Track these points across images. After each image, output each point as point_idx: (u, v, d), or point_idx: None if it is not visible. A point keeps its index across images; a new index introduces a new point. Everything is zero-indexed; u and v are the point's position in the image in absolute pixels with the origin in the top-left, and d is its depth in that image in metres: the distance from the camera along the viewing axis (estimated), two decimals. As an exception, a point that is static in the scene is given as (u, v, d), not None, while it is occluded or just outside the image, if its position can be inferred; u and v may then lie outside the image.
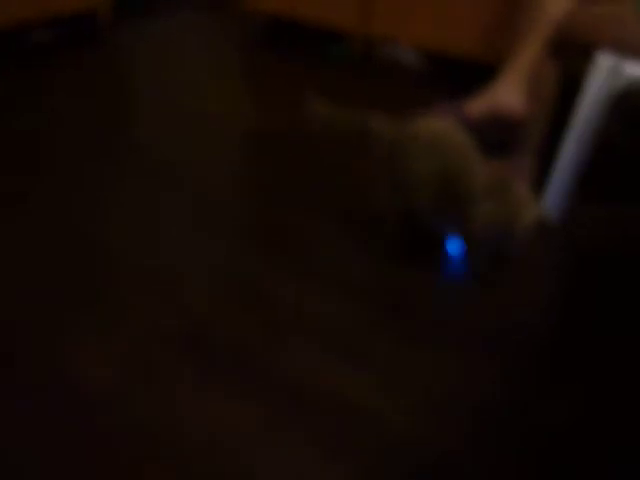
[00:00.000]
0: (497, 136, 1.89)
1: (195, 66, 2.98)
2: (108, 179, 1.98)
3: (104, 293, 1.51)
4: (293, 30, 3.23)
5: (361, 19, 2.94)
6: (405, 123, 1.63)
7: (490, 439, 1.23)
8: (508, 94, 1.91)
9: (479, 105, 1.92)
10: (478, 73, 2.19)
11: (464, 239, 1.63)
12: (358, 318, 1.51)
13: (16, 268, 1.58)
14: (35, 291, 1.51)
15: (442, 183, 1.54)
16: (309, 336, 1.45)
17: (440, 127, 1.58)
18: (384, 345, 1.44)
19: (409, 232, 1.69)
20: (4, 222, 1.74)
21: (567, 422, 1.28)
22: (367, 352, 1.42)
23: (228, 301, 1.53)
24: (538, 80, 1.90)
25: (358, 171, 1.78)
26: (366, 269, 1.69)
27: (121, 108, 2.49)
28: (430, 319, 1.53)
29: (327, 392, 1.30)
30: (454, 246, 1.69)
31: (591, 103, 1.80)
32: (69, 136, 2.22)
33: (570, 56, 1.89)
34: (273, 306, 1.53)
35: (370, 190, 1.69)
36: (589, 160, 1.85)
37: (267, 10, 3.22)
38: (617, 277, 1.71)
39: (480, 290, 1.63)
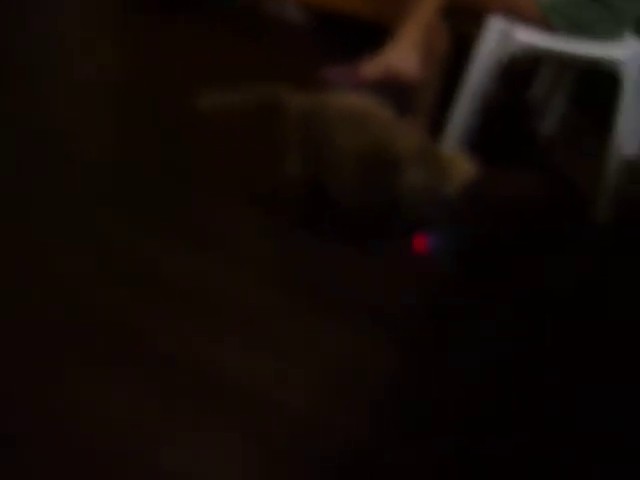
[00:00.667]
0: (392, 99, 1.87)
1: (61, 25, 2.74)
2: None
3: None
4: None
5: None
6: (315, 94, 1.58)
7: (394, 422, 1.23)
8: (402, 57, 1.88)
9: (374, 68, 1.88)
10: (366, 33, 2.15)
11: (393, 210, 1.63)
12: (260, 296, 1.47)
13: None
14: None
15: (368, 157, 1.52)
16: (209, 318, 1.39)
17: (360, 102, 1.58)
18: (286, 325, 1.40)
19: (318, 204, 1.66)
20: None
21: (469, 403, 1.30)
22: (270, 334, 1.38)
23: (118, 283, 1.44)
24: (431, 43, 1.89)
25: (263, 143, 1.70)
26: (269, 244, 1.64)
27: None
28: (334, 297, 1.50)
29: (230, 378, 1.25)
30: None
31: (482, 67, 1.81)
32: None
33: (462, 20, 1.88)
34: (168, 286, 1.46)
35: (276, 161, 1.62)
36: (478, 122, 1.88)
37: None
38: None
39: (392, 264, 1.62)
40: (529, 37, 1.74)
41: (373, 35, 2.01)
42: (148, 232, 1.62)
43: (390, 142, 1.53)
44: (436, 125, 1.93)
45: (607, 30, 1.74)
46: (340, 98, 1.59)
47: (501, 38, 1.76)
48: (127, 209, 1.70)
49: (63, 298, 1.39)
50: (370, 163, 1.54)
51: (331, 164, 1.57)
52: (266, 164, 1.70)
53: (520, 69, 2.36)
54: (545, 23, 1.74)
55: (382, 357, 1.37)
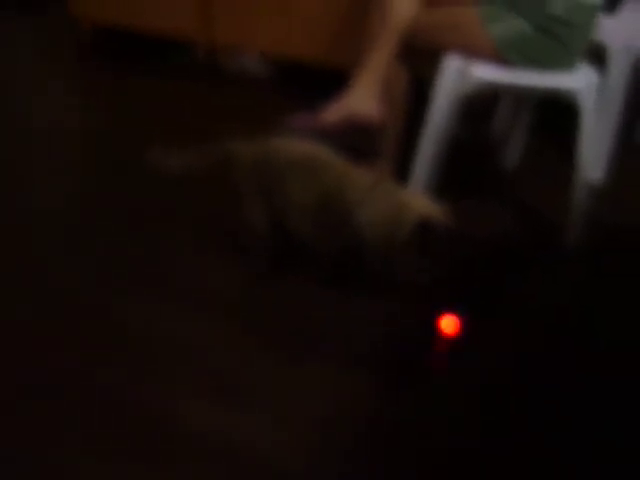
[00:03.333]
0: (354, 142, 1.87)
1: (23, 80, 2.73)
2: None
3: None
4: (129, 39, 3.04)
5: (202, 25, 2.82)
6: (265, 142, 1.60)
7: (379, 458, 1.19)
8: (362, 100, 1.89)
9: (334, 113, 1.89)
10: (327, 79, 2.17)
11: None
12: (232, 344, 1.44)
13: None
14: None
15: (319, 204, 1.53)
16: (179, 373, 1.35)
17: (306, 148, 1.59)
18: (262, 373, 1.37)
19: (279, 246, 1.65)
20: None
21: (455, 435, 1.27)
22: (244, 384, 1.34)
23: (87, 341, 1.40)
24: (390, 84, 1.91)
25: (221, 194, 1.71)
26: (236, 286, 1.63)
27: None
28: (305, 334, 1.50)
29: (200, 434, 1.21)
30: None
31: (441, 105, 1.83)
32: None
33: (419, 59, 1.91)
34: (135, 336, 1.44)
35: (235, 209, 1.62)
36: (443, 160, 1.89)
37: (96, 17, 3.01)
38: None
39: (365, 300, 1.61)
40: (485, 73, 1.76)
41: (332, 82, 2.03)
42: (115, 281, 1.61)
43: (340, 188, 1.54)
44: (401, 166, 1.94)
45: (560, 61, 1.77)
46: (290, 146, 1.59)
47: (458, 76, 1.78)
48: (94, 260, 1.69)
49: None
50: (321, 210, 1.55)
51: (285, 211, 1.58)
52: (226, 213, 1.70)
53: (480, 104, 2.39)
54: (500, 58, 1.77)
55: (364, 395, 1.35)
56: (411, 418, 1.31)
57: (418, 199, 1.53)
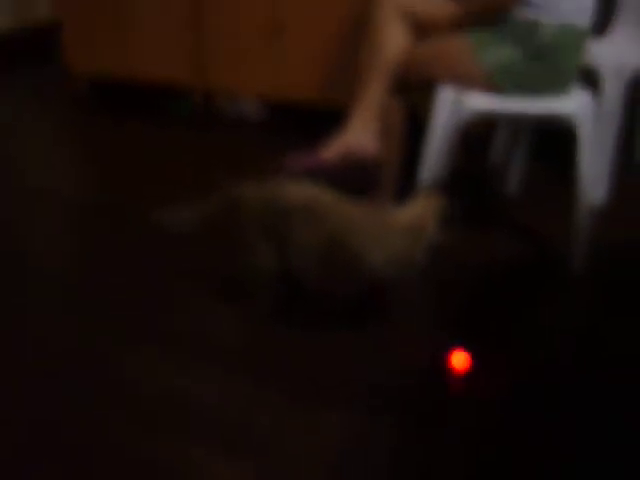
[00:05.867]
0: (354, 180, 1.87)
1: (18, 135, 2.75)
2: None
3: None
4: (127, 89, 3.08)
5: (196, 73, 2.86)
6: (269, 187, 1.60)
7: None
8: (359, 136, 1.90)
9: (333, 150, 1.89)
10: (323, 119, 2.19)
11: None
12: (234, 391, 1.42)
13: None
14: None
15: (328, 247, 1.53)
16: (188, 426, 1.33)
17: (311, 191, 1.59)
18: (276, 424, 1.35)
19: (286, 293, 1.64)
20: None
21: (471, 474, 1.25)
22: (257, 435, 1.32)
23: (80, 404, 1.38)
24: (386, 119, 1.92)
25: (227, 240, 1.70)
26: (244, 336, 1.61)
27: None
28: (310, 380, 1.47)
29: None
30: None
31: (438, 137, 1.83)
32: None
33: (414, 92, 1.92)
34: (136, 386, 1.42)
35: (242, 254, 1.62)
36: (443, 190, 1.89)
37: (92, 70, 3.05)
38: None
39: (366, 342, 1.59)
40: (479, 103, 1.77)
41: (328, 121, 2.04)
42: (115, 338, 1.59)
43: (346, 231, 1.54)
44: (403, 198, 1.93)
45: (552, 86, 1.78)
46: (294, 190, 1.59)
47: (453, 107, 1.79)
48: (93, 318, 1.67)
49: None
50: (327, 254, 1.55)
51: (293, 255, 1.57)
52: (233, 258, 1.69)
53: (478, 131, 2.40)
54: (492, 86, 1.78)
55: (381, 437, 1.32)
56: (429, 458, 1.28)
57: (429, 220, 1.55)
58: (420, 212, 1.56)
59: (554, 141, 2.07)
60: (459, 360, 1.49)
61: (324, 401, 1.41)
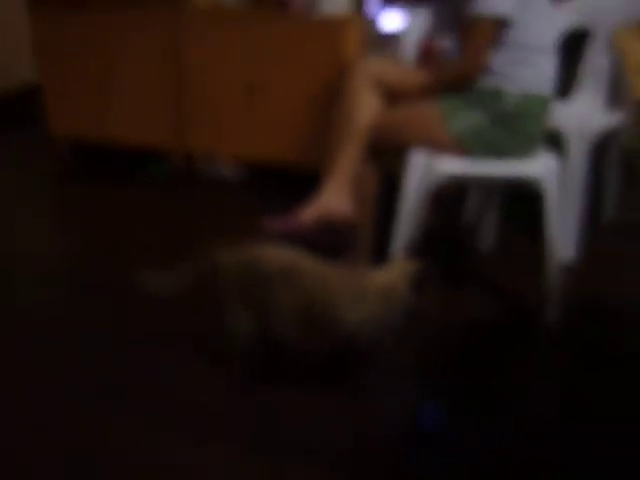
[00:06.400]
0: (330, 242, 1.92)
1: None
2: None
3: None
4: (107, 152, 3.13)
5: (176, 135, 2.92)
6: (248, 250, 1.63)
7: None
8: (334, 200, 1.95)
9: (309, 214, 1.94)
10: (301, 181, 2.24)
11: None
12: (227, 462, 1.42)
13: None
14: None
15: (307, 308, 1.57)
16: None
17: (288, 254, 1.63)
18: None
19: (265, 353, 1.66)
20: None
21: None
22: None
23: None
24: (360, 182, 1.97)
25: (207, 305, 1.72)
26: (223, 400, 1.62)
27: None
28: (295, 442, 1.48)
29: None
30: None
31: (411, 198, 1.89)
32: None
33: (387, 156, 1.98)
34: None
35: (221, 316, 1.64)
36: (416, 251, 1.93)
37: (75, 132, 3.11)
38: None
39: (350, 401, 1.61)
40: (449, 166, 1.84)
41: (306, 183, 2.09)
42: (100, 402, 1.60)
43: (323, 292, 1.58)
44: (378, 258, 1.98)
45: (517, 150, 1.86)
46: (272, 253, 1.63)
47: (424, 171, 1.86)
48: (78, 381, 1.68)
49: None
50: (307, 315, 1.58)
51: (272, 316, 1.60)
52: (212, 321, 1.71)
53: (450, 193, 2.47)
54: (461, 150, 1.85)
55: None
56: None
57: (395, 294, 1.58)
58: (394, 275, 1.60)
59: (525, 201, 2.13)
60: (430, 416, 1.52)
61: (296, 463, 1.42)
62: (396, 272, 1.61)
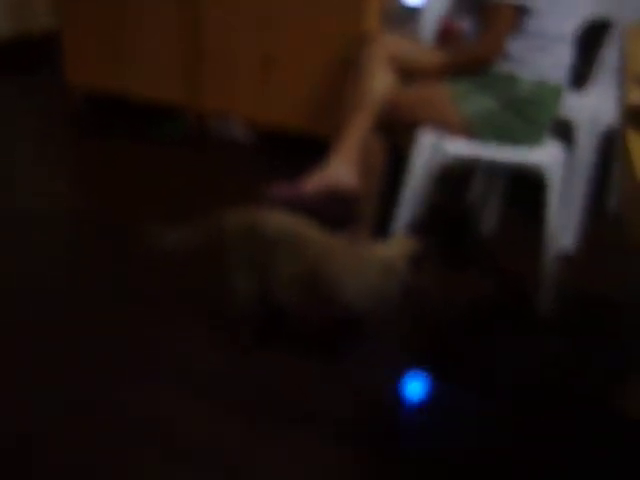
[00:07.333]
0: (334, 213, 1.94)
1: (7, 147, 2.79)
2: None
3: None
4: (119, 105, 3.14)
5: (191, 94, 2.93)
6: (254, 214, 1.66)
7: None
8: (341, 171, 1.97)
9: (314, 184, 1.96)
10: (308, 148, 2.26)
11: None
12: (215, 419, 1.47)
13: None
14: None
15: (308, 275, 1.60)
16: (162, 445, 1.38)
17: (293, 221, 1.65)
18: (247, 450, 1.40)
19: (265, 316, 1.69)
20: None
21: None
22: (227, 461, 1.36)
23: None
24: (368, 155, 1.99)
25: (211, 266, 1.75)
26: (221, 360, 1.66)
27: None
28: (289, 407, 1.53)
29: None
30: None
31: (417, 177, 1.91)
32: None
33: (396, 132, 2.00)
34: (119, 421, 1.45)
35: (224, 280, 1.68)
36: (419, 228, 1.96)
37: (89, 84, 3.12)
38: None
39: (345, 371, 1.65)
40: (457, 148, 1.86)
41: (313, 150, 2.11)
42: (99, 354, 1.64)
43: (325, 260, 1.61)
44: (380, 232, 2.01)
45: (526, 137, 1.88)
46: (278, 218, 1.66)
47: (432, 151, 1.88)
48: (79, 336, 1.71)
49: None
50: (307, 282, 1.61)
51: (274, 282, 1.64)
52: (215, 284, 1.74)
53: (457, 172, 2.49)
54: (470, 133, 1.87)
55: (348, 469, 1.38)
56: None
57: (394, 246, 1.62)
58: (395, 251, 1.63)
59: (529, 187, 2.15)
60: (416, 390, 1.57)
61: (293, 428, 1.47)
62: (397, 248, 1.64)
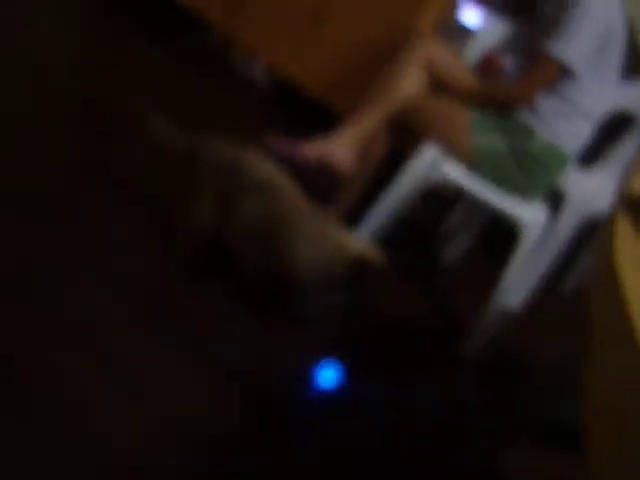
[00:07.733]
0: (318, 183, 1.96)
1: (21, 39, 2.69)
2: None
3: None
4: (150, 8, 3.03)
5: (228, 15, 2.87)
6: (240, 151, 1.65)
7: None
8: (342, 147, 1.98)
9: (312, 149, 1.97)
10: (319, 115, 2.26)
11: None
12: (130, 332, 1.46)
13: None
14: None
15: (268, 228, 1.61)
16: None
17: (273, 172, 1.65)
18: (151, 368, 1.41)
19: (212, 254, 1.69)
20: None
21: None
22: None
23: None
24: (371, 143, 2.01)
25: (180, 185, 1.74)
26: (156, 280, 1.64)
27: None
28: (200, 341, 1.54)
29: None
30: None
31: (406, 184, 1.94)
32: None
33: (403, 135, 2.02)
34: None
35: (188, 207, 1.67)
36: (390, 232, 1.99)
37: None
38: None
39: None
40: (453, 172, 1.89)
41: (325, 118, 2.11)
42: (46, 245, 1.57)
43: (289, 219, 1.62)
44: (350, 221, 2.02)
45: (521, 190, 1.92)
46: (260, 164, 1.65)
47: (429, 165, 1.90)
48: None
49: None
50: (266, 236, 1.62)
51: (233, 221, 1.63)
52: (179, 207, 1.72)
53: (444, 197, 2.52)
54: (471, 165, 1.90)
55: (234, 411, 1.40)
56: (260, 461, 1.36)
57: (357, 241, 1.64)
58: (357, 248, 1.64)
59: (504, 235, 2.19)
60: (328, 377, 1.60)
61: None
62: (359, 246, 1.65)
